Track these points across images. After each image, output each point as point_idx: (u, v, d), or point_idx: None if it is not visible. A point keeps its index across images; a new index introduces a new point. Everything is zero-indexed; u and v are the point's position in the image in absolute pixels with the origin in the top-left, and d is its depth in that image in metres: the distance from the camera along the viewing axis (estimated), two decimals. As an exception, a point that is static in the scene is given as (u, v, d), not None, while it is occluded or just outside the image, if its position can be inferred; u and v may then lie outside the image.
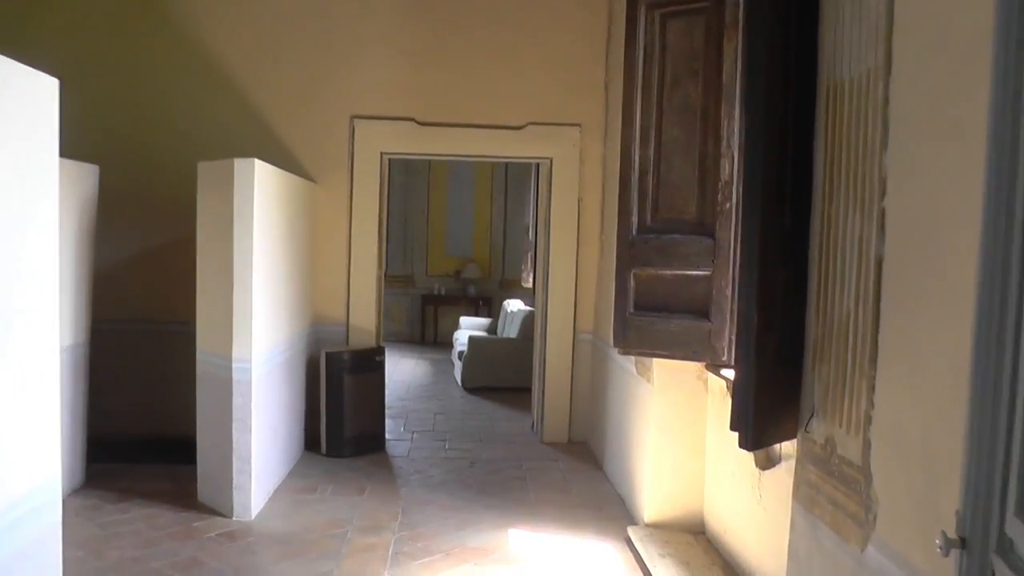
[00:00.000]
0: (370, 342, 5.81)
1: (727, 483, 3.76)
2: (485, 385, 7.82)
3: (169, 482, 4.70)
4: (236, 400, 4.20)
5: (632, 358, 4.43)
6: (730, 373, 3.57)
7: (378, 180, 5.84)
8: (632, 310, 3.87)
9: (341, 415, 5.40)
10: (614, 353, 5.08)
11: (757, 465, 3.34)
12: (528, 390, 6.69)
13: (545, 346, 6.02)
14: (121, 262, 5.56)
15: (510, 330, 8.31)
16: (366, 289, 5.87)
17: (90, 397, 4.70)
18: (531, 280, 9.43)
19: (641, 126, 3.84)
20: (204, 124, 5.63)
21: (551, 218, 5.95)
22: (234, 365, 4.19)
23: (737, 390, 2.38)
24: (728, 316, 3.57)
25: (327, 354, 5.42)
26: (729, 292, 3.58)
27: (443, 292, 11.27)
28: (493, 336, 8.63)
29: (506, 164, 11.16)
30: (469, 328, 9.44)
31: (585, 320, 6.00)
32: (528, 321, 7.79)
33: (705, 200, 3.63)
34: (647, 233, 3.81)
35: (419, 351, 10.43)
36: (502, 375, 7.82)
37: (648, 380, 4.21)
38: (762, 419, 2.30)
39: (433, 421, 6.63)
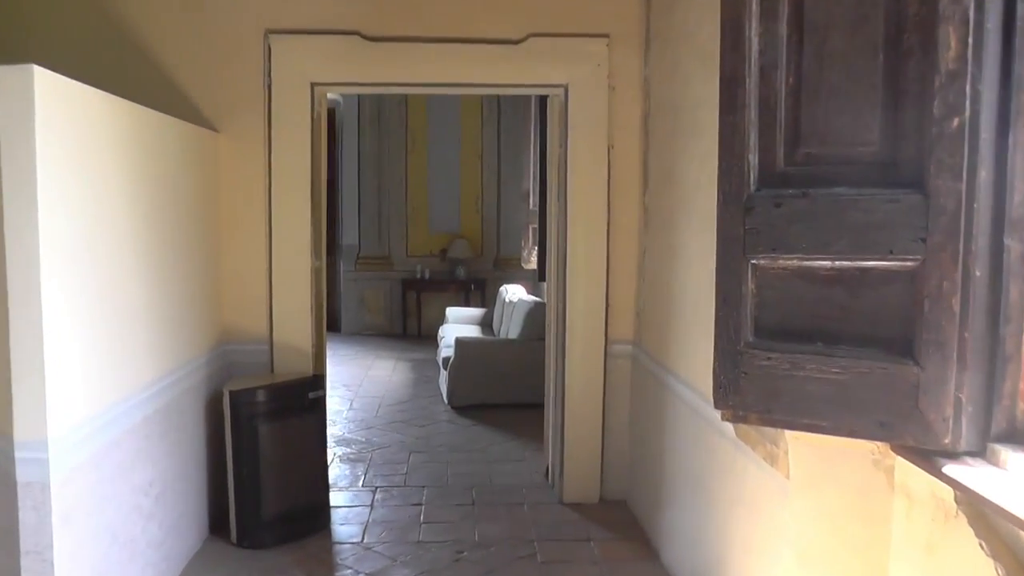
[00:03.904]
0: (305, 368, 3.91)
1: None
2: (478, 402, 5.94)
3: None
4: (24, 519, 2.30)
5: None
6: (957, 470, 1.68)
7: (309, 124, 3.90)
8: (751, 338, 2.00)
9: (256, 485, 3.52)
10: (675, 382, 3.21)
11: None
12: (535, 407, 4.85)
13: (563, 360, 4.13)
14: None
15: (510, 328, 6.39)
16: (296, 289, 3.95)
17: None
18: (534, 260, 7.53)
19: (761, -20, 1.94)
20: (26, 39, 3.67)
21: (568, 174, 4.02)
22: (17, 455, 2.29)
23: None
24: (956, 353, 1.70)
25: (231, 394, 3.51)
26: (958, 304, 1.71)
27: (427, 275, 9.36)
28: (488, 337, 6.72)
29: (498, 103, 9.07)
30: (458, 322, 7.52)
31: (622, 324, 4.10)
32: (534, 317, 5.90)
33: (901, 116, 1.73)
34: (779, 187, 1.93)
35: (399, 348, 8.52)
36: (500, 389, 5.94)
37: (769, 459, 2.34)
38: None
39: (407, 465, 4.76)
